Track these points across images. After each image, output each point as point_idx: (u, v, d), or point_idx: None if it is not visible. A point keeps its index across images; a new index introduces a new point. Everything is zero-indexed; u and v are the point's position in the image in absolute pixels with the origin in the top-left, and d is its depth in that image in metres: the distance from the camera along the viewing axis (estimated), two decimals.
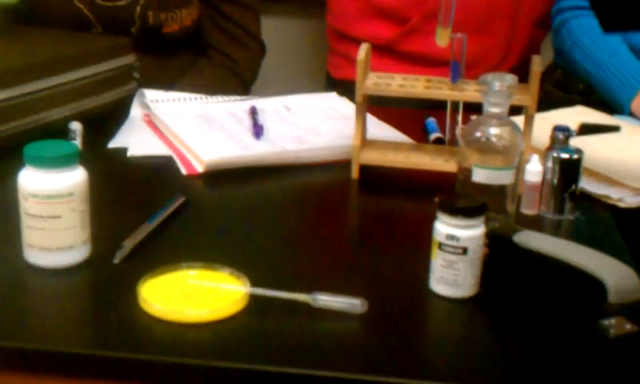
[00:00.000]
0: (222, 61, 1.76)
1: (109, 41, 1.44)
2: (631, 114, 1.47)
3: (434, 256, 0.90)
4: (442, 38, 1.12)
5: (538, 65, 1.12)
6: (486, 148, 0.98)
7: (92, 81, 1.33)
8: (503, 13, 1.69)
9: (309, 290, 0.86)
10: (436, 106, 1.30)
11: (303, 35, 2.16)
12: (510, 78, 0.97)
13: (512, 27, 1.71)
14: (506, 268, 0.91)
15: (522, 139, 1.00)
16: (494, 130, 0.98)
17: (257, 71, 1.82)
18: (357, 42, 1.80)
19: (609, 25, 1.09)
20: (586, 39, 1.58)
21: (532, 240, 0.89)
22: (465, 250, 0.87)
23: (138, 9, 1.58)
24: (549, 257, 0.87)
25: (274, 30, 1.93)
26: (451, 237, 0.88)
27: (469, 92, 1.14)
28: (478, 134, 0.99)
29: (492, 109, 0.97)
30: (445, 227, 0.88)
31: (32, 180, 0.89)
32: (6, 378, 0.82)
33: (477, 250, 0.88)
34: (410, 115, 1.44)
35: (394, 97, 1.17)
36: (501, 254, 0.91)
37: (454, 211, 0.87)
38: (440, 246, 0.88)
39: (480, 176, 0.98)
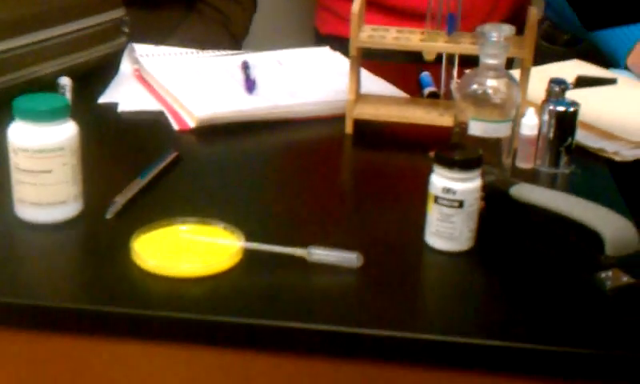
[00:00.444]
0: (213, 16, 1.74)
1: None
2: (626, 68, 1.46)
3: (429, 209, 0.89)
4: None
5: (534, 16, 1.11)
6: (482, 101, 0.97)
7: (81, 35, 1.30)
8: None
9: (304, 244, 0.86)
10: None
11: None
12: (507, 29, 0.96)
13: None
14: (502, 221, 0.91)
15: (519, 92, 0.98)
16: (490, 82, 0.97)
17: (248, 27, 1.80)
18: None
19: (590, 24, 1.08)
20: None
21: (529, 193, 0.88)
22: (461, 203, 0.87)
23: None
24: (545, 210, 0.86)
25: None
26: (447, 190, 0.87)
27: (464, 44, 1.12)
28: (475, 87, 0.97)
29: (488, 60, 0.96)
30: (441, 180, 0.87)
31: (22, 134, 0.87)
32: None
33: (473, 203, 0.87)
34: (403, 69, 1.42)
35: (389, 50, 1.16)
36: (497, 208, 0.91)
37: (451, 164, 0.86)
38: (436, 199, 0.88)
39: (476, 129, 0.97)
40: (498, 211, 0.91)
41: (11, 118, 0.89)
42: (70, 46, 1.28)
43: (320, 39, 1.78)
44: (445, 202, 0.87)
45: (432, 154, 1.06)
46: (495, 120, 0.96)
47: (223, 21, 1.74)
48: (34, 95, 0.90)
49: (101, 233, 0.91)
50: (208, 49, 1.46)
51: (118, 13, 1.39)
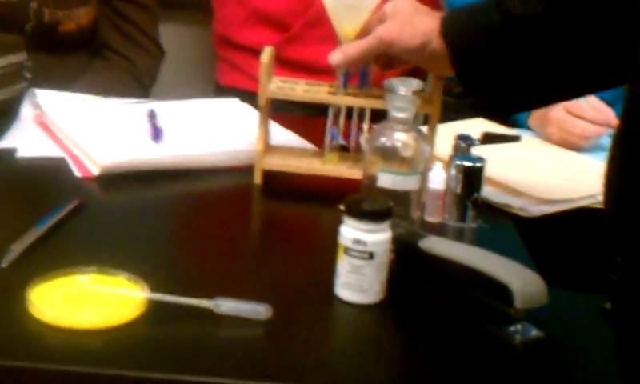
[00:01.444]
0: (119, 62, 1.70)
1: None
2: (528, 128, 1.49)
3: (339, 260, 0.88)
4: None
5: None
6: (391, 153, 0.97)
7: None
8: None
9: (211, 295, 0.83)
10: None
11: (194, 41, 2.12)
12: (415, 83, 0.97)
13: None
14: (411, 274, 0.90)
15: (427, 145, 0.99)
16: (399, 136, 0.97)
17: (155, 75, 1.77)
18: (240, 48, 1.80)
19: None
20: None
21: (437, 246, 0.88)
22: (371, 255, 0.86)
23: (34, 5, 1.52)
24: (454, 262, 0.86)
25: (167, 35, 1.88)
26: (357, 241, 0.86)
27: (372, 98, 1.13)
28: (383, 140, 0.98)
29: (397, 114, 0.97)
30: (351, 231, 0.86)
31: None
32: None
33: (383, 255, 0.87)
34: (311, 122, 1.42)
35: (296, 102, 1.16)
36: (406, 260, 0.90)
37: (361, 215, 0.86)
38: (346, 250, 0.87)
39: (386, 181, 0.97)
40: (407, 263, 0.91)
41: None
42: None
43: (220, 90, 1.78)
44: (355, 254, 0.86)
45: (342, 206, 1.06)
46: (404, 173, 0.97)
47: (130, 68, 1.71)
48: None
49: None
50: (114, 96, 1.43)
51: (20, 57, 1.35)
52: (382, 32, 1.06)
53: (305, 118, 1.50)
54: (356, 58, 1.09)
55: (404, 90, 0.95)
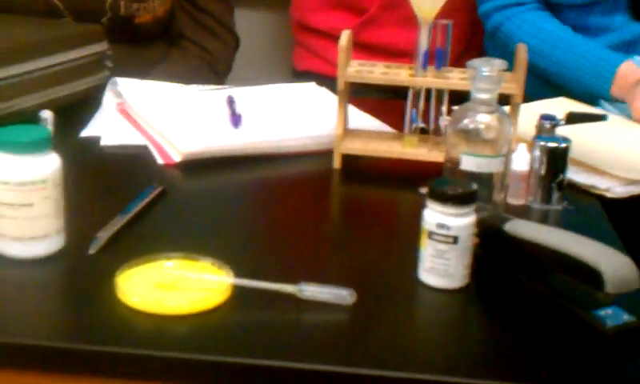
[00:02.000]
0: (195, 52, 1.72)
1: (81, 28, 1.40)
2: (614, 101, 1.45)
3: (423, 245, 0.87)
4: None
5: (524, 51, 1.10)
6: (474, 136, 0.95)
7: (63, 68, 1.28)
8: (464, 6, 1.68)
9: (294, 280, 0.83)
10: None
11: (272, 27, 2.13)
12: (499, 63, 0.95)
13: (473, 20, 1.69)
14: (496, 258, 0.89)
15: (511, 127, 0.97)
16: (482, 117, 0.95)
17: (230, 63, 1.78)
18: (317, 32, 1.80)
19: None
20: (531, 39, 1.52)
21: (523, 229, 0.86)
22: (456, 239, 0.85)
23: None
24: (541, 246, 0.84)
25: (243, 21, 1.89)
26: (441, 225, 0.85)
27: (454, 79, 1.11)
28: (466, 121, 0.96)
29: (480, 95, 0.95)
30: (435, 215, 0.85)
31: (3, 166, 0.84)
32: None
33: (468, 239, 0.85)
34: (389, 105, 1.41)
35: (371, 86, 1.14)
36: (491, 244, 0.89)
37: (445, 198, 0.84)
38: (430, 234, 0.86)
39: (469, 164, 0.95)
40: (491, 247, 0.89)
41: None
42: (52, 79, 1.26)
43: (297, 75, 1.78)
44: (439, 238, 0.85)
45: (423, 189, 1.05)
46: (488, 155, 0.95)
47: (206, 57, 1.72)
48: (14, 126, 0.88)
49: (84, 268, 0.88)
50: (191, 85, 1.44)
51: (101, 46, 1.37)
52: None
53: (382, 101, 1.49)
54: None
55: (488, 71, 0.93)
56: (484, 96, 0.94)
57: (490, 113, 0.95)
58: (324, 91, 1.44)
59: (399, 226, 1.02)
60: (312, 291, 0.82)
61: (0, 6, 1.48)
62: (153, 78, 1.46)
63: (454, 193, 0.85)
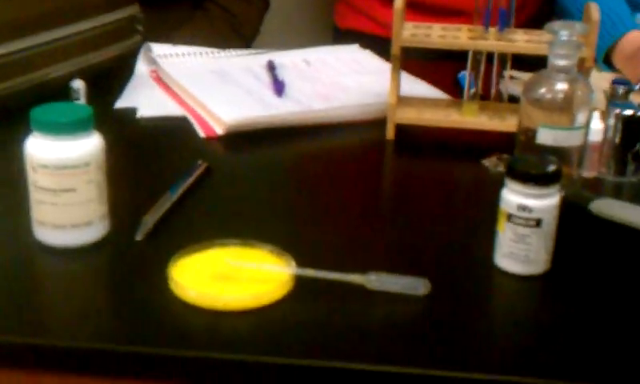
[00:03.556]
0: (218, 14, 1.64)
1: None
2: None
3: (501, 229, 0.79)
4: None
5: (596, 12, 1.01)
6: (552, 106, 0.87)
7: (94, 34, 1.20)
8: None
9: (361, 269, 0.76)
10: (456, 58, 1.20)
11: None
12: (580, 27, 0.86)
13: None
14: (581, 240, 0.81)
15: (592, 95, 0.89)
16: (561, 86, 0.87)
17: (258, 27, 1.69)
18: None
19: None
20: None
21: (612, 208, 0.79)
22: (538, 222, 0.77)
23: None
24: (634, 228, 0.77)
25: None
26: (523, 207, 0.77)
27: (519, 42, 1.03)
28: (543, 90, 0.87)
29: (559, 61, 0.86)
30: (515, 196, 0.77)
31: (42, 149, 0.77)
32: (17, 377, 0.71)
33: (552, 222, 0.78)
34: (435, 68, 1.33)
35: (421, 48, 1.06)
36: (575, 225, 0.81)
37: (527, 178, 0.77)
38: (509, 217, 0.78)
39: (547, 138, 0.87)
40: (575, 229, 0.81)
41: (26, 128, 0.79)
42: (82, 45, 1.18)
43: (338, 34, 1.69)
44: (520, 221, 0.77)
45: (486, 161, 0.97)
46: (567, 128, 0.87)
47: (231, 21, 1.64)
48: (52, 105, 0.80)
49: (131, 257, 0.81)
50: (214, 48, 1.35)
51: (132, 10, 1.29)
52: None
53: (427, 63, 1.40)
54: None
55: (567, 34, 0.84)
56: (563, 62, 0.86)
57: (570, 81, 0.87)
58: (368, 54, 1.36)
59: (466, 204, 0.95)
60: (382, 281, 0.75)
61: None
62: (176, 42, 1.38)
63: (538, 172, 0.77)
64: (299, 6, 2.00)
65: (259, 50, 1.35)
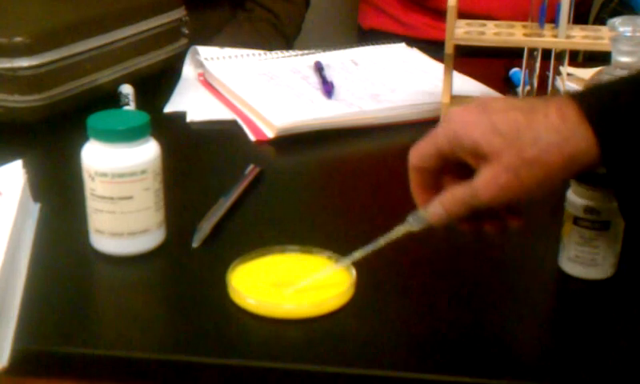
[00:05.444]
0: (260, 15, 1.63)
1: None
2: None
3: (566, 232, 0.77)
4: None
5: None
6: None
7: (142, 38, 1.20)
8: None
9: (420, 276, 0.74)
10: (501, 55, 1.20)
11: None
12: None
13: None
14: None
15: None
16: None
17: (300, 25, 1.68)
18: None
19: None
20: None
21: None
22: (606, 225, 0.75)
23: None
24: None
25: None
26: (590, 210, 0.75)
27: (577, 39, 1.00)
28: None
29: (622, 58, 0.83)
30: (581, 199, 0.75)
31: (99, 156, 0.76)
32: None
33: (620, 224, 0.75)
34: (485, 66, 1.30)
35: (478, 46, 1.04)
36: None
37: (594, 180, 0.74)
38: (575, 220, 0.76)
39: None
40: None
41: (77, 134, 0.79)
42: (130, 50, 1.18)
43: (363, 34, 1.69)
44: (586, 224, 0.75)
45: None
46: None
47: (273, 21, 1.63)
48: (107, 111, 0.79)
49: (188, 265, 0.80)
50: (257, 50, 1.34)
51: (178, 13, 1.28)
52: (493, 190, 0.66)
53: (474, 60, 1.38)
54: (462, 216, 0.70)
55: (630, 31, 0.82)
56: (626, 59, 0.83)
57: None
58: (415, 52, 1.34)
59: (527, 206, 0.92)
60: None
61: None
62: (218, 43, 1.37)
63: (604, 173, 0.74)
64: (325, 6, 1.98)
65: (305, 51, 1.33)
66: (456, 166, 0.69)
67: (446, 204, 0.69)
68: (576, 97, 0.65)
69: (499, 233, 0.71)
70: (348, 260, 0.74)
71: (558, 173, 0.64)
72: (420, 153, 0.70)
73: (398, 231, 0.72)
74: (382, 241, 0.73)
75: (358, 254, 0.74)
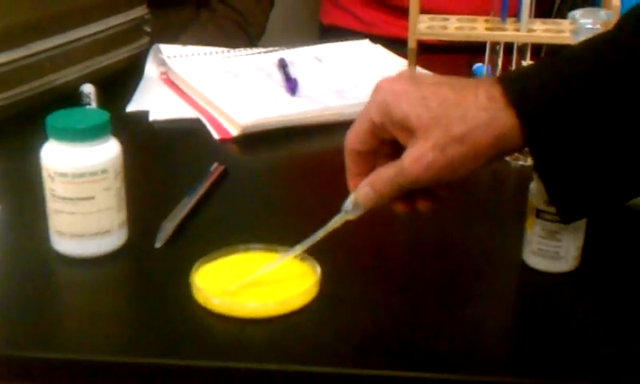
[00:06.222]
0: (227, 14, 1.62)
1: None
2: None
3: (529, 225, 0.77)
4: None
5: None
6: None
7: (103, 36, 1.18)
8: None
9: (385, 274, 0.74)
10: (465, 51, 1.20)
11: None
12: (604, 14, 0.84)
13: None
14: (612, 234, 0.79)
15: None
16: None
17: (264, 26, 1.67)
18: None
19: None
20: None
21: None
22: None
23: None
24: None
25: None
26: None
27: (538, 32, 1.01)
28: None
29: None
30: (544, 191, 0.75)
31: (59, 156, 0.75)
32: None
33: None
34: (449, 62, 1.31)
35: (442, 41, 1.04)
36: (605, 218, 0.79)
37: None
38: (538, 213, 0.76)
39: None
40: (606, 222, 0.80)
41: (38, 135, 0.77)
42: (91, 49, 1.16)
43: (324, 30, 1.69)
44: (549, 217, 0.75)
45: (510, 158, 0.96)
46: None
47: (238, 19, 1.62)
48: (67, 110, 0.78)
49: (151, 265, 0.79)
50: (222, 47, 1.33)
51: (140, 11, 1.27)
52: (420, 168, 0.65)
53: (441, 56, 1.38)
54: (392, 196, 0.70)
55: (591, 23, 0.82)
56: None
57: None
58: (379, 49, 1.34)
59: (486, 199, 0.93)
60: None
61: None
62: (182, 43, 1.36)
63: None
64: (287, 2, 1.98)
65: (269, 49, 1.33)
66: (389, 149, 0.69)
67: (374, 184, 0.69)
68: (502, 80, 0.65)
69: (433, 210, 0.71)
70: (289, 253, 0.74)
71: (486, 151, 0.65)
72: (354, 132, 0.70)
73: (335, 221, 0.71)
74: (320, 232, 0.73)
75: (299, 248, 0.73)
